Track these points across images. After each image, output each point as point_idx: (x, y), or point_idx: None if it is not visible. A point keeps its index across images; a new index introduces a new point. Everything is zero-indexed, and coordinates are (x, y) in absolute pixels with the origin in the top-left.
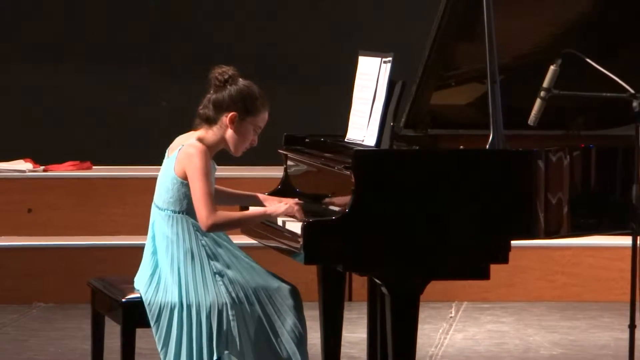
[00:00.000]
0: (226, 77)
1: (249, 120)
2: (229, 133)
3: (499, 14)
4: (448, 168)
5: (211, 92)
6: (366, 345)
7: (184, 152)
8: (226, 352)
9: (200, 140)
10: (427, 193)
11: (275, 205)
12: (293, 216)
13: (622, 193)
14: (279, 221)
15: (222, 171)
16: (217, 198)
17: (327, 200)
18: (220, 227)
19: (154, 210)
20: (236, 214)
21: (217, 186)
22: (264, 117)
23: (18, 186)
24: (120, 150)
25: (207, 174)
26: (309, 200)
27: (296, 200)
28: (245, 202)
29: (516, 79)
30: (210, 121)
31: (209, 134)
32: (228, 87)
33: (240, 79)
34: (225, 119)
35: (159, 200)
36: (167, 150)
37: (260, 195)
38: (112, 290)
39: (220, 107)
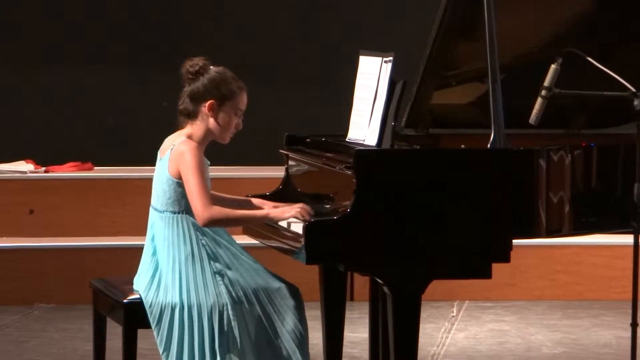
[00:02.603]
0: (197, 68)
1: (228, 104)
2: (212, 122)
3: (500, 13)
4: (449, 167)
5: (185, 86)
6: (368, 345)
7: (176, 151)
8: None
9: (189, 137)
10: (429, 192)
11: (278, 210)
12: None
13: (623, 191)
14: None
15: (223, 171)
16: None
17: (328, 200)
18: (216, 222)
19: (152, 213)
20: (235, 211)
21: (212, 192)
22: (242, 99)
23: (19, 187)
24: (121, 151)
25: (200, 169)
26: (309, 200)
27: (302, 205)
28: (240, 206)
29: (517, 78)
30: (191, 115)
31: (194, 129)
32: (201, 77)
33: (212, 67)
34: (204, 108)
35: (157, 203)
36: (158, 152)
37: (255, 200)
38: (114, 291)
39: (197, 99)
